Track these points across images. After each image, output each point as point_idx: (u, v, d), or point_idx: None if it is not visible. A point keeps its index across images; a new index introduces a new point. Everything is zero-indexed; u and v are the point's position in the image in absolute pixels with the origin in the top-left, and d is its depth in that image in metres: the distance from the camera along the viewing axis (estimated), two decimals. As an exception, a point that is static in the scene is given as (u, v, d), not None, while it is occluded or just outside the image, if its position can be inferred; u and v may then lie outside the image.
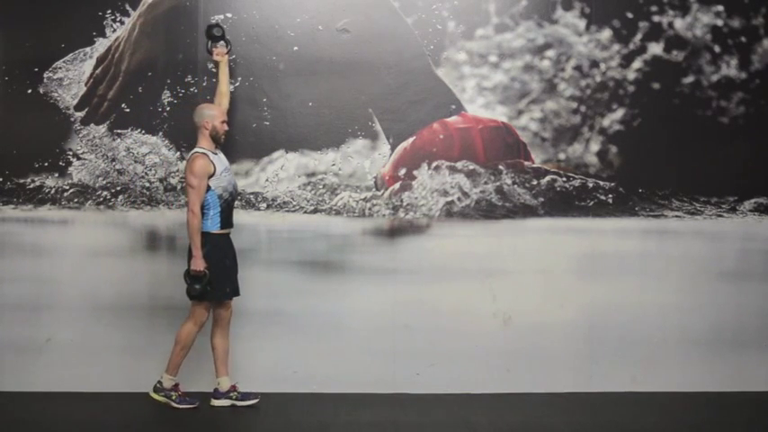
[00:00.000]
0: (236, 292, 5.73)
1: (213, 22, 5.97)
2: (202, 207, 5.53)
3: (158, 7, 6.14)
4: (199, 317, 5.63)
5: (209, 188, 5.54)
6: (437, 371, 6.08)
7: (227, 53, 5.90)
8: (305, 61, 6.14)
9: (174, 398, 5.66)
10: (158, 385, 5.68)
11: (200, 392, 5.79)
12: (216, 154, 5.64)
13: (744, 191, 6.27)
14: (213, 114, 5.64)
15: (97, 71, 6.16)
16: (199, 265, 5.49)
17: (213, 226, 5.59)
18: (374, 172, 6.18)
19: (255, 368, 6.05)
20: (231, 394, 5.75)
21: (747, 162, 6.26)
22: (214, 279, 5.53)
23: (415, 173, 6.14)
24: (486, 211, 6.18)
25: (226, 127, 5.68)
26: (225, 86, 5.86)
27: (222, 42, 5.90)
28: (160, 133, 6.15)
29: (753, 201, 6.27)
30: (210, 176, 5.54)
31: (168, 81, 6.14)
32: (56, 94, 6.15)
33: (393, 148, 6.16)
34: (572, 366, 6.16)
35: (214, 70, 5.95)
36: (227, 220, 5.65)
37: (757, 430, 5.50)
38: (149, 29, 6.14)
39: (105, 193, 6.16)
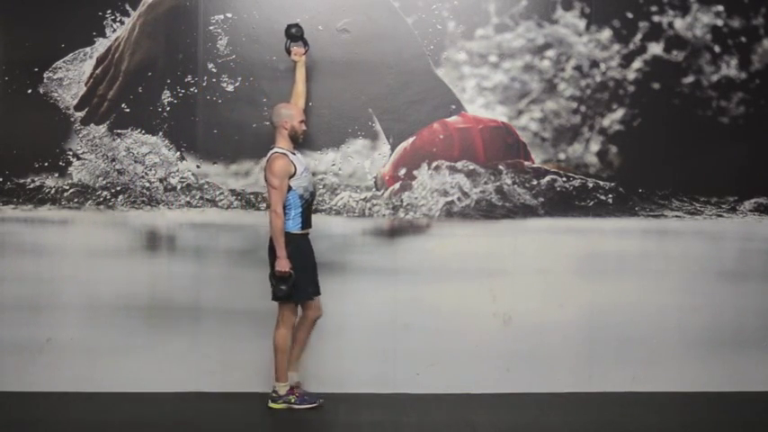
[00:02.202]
0: (317, 292, 5.72)
1: (292, 22, 5.95)
2: (283, 208, 5.53)
3: (158, 7, 6.14)
4: (288, 320, 5.63)
5: (289, 188, 5.54)
6: (437, 371, 6.08)
7: (304, 53, 5.90)
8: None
9: (293, 401, 5.66)
10: (274, 395, 5.67)
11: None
12: (294, 154, 5.65)
13: (744, 191, 6.27)
14: (292, 114, 5.65)
15: (97, 71, 6.16)
16: (284, 266, 5.49)
17: (294, 226, 5.59)
18: (374, 172, 6.18)
19: (256, 368, 6.05)
20: (289, 398, 5.72)
21: (747, 162, 6.26)
22: (298, 279, 5.52)
23: (415, 173, 6.14)
24: (486, 211, 6.18)
25: (304, 127, 5.71)
26: (302, 86, 5.87)
27: (300, 42, 5.91)
28: (160, 133, 6.15)
29: (753, 201, 6.27)
30: (291, 176, 5.55)
31: (168, 81, 6.14)
32: (56, 94, 6.15)
33: (393, 148, 6.16)
34: (572, 366, 6.17)
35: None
36: (307, 221, 5.65)
37: (757, 430, 5.51)
38: (149, 29, 6.14)
39: (105, 193, 6.16)
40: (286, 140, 5.65)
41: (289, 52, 5.93)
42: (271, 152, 5.62)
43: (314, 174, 6.14)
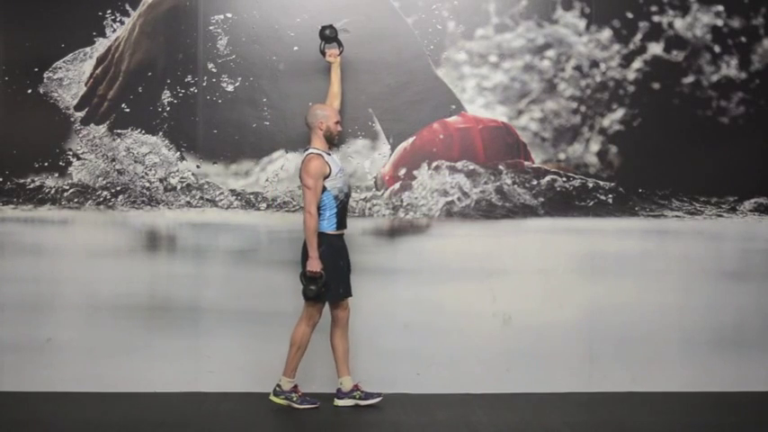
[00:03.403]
0: (348, 293, 5.73)
1: (327, 23, 5.95)
2: (318, 208, 5.53)
3: (158, 7, 6.14)
4: (311, 318, 5.63)
5: (324, 189, 5.55)
6: (437, 371, 6.08)
7: (339, 54, 5.91)
8: (305, 61, 6.14)
9: (294, 399, 5.66)
10: (278, 389, 5.67)
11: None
12: (329, 154, 5.66)
13: (744, 191, 6.27)
14: (327, 115, 5.66)
15: (97, 71, 6.16)
16: (315, 266, 5.49)
17: (329, 227, 5.60)
18: (374, 172, 6.18)
19: (256, 368, 6.05)
20: (354, 393, 5.75)
21: (747, 162, 6.26)
22: (329, 280, 5.53)
23: (415, 173, 6.14)
24: (486, 211, 6.18)
25: (339, 128, 5.72)
26: (337, 87, 5.88)
27: (334, 43, 5.91)
28: (160, 133, 6.15)
29: (753, 201, 6.27)
30: (326, 177, 5.56)
31: (168, 81, 6.14)
32: (56, 94, 6.15)
33: (393, 148, 6.16)
34: (572, 366, 6.17)
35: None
36: (342, 221, 5.66)
37: (757, 430, 5.50)
38: (149, 29, 6.14)
39: (105, 193, 6.16)
40: (321, 141, 5.66)
41: (323, 54, 5.94)
42: (306, 153, 5.64)
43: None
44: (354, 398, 5.74)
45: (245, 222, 6.13)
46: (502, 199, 6.18)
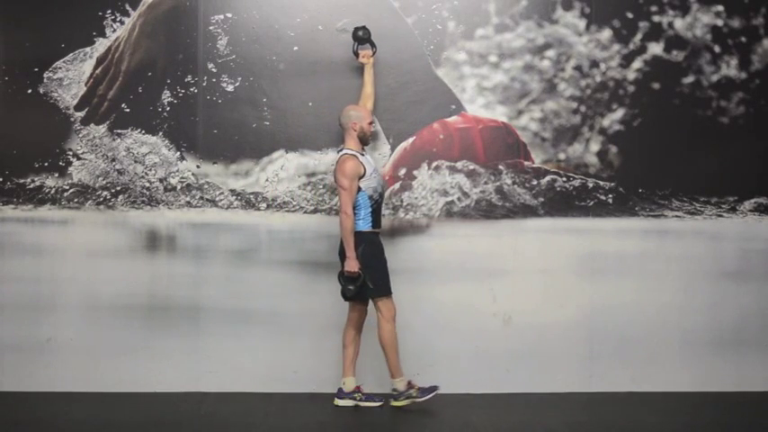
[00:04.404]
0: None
1: (359, 25, 5.96)
2: (354, 208, 5.56)
3: (158, 7, 6.14)
4: (387, 314, 5.65)
5: (359, 189, 5.58)
6: (437, 371, 6.08)
7: (372, 55, 5.92)
8: (305, 61, 6.14)
9: (414, 395, 5.67)
10: (395, 392, 5.69)
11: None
12: (363, 155, 5.68)
13: (744, 191, 6.27)
14: (361, 116, 5.69)
15: (97, 71, 6.16)
16: (353, 266, 5.52)
17: (365, 225, 5.64)
18: (374, 172, 6.18)
19: (256, 368, 6.06)
20: (355, 395, 5.75)
21: (747, 162, 6.26)
22: (376, 275, 5.57)
23: (415, 173, 6.14)
24: (486, 211, 6.18)
25: (373, 128, 5.76)
26: (370, 88, 5.91)
27: (367, 45, 5.92)
28: (160, 133, 6.15)
29: (753, 201, 6.27)
30: (361, 177, 5.58)
31: (168, 81, 6.14)
32: (56, 94, 6.15)
33: (393, 148, 6.16)
34: (572, 366, 6.17)
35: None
36: (377, 221, 5.69)
37: (757, 430, 5.50)
38: (149, 29, 6.14)
39: (105, 193, 6.16)
40: (355, 142, 5.68)
41: (357, 55, 5.95)
42: (340, 153, 5.67)
43: (314, 174, 6.15)
44: (355, 399, 5.74)
45: (245, 222, 6.13)
46: (502, 199, 6.18)
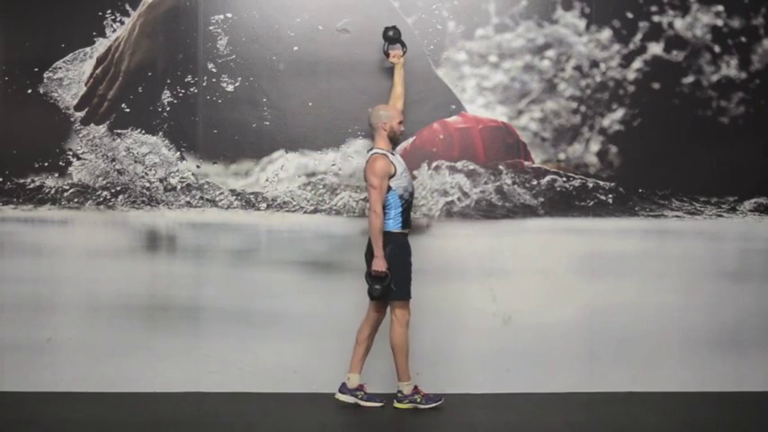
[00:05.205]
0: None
1: (389, 25, 5.96)
2: (384, 207, 5.56)
3: (158, 7, 6.14)
4: (402, 318, 5.64)
5: (389, 188, 5.58)
6: (437, 371, 6.08)
7: (403, 55, 5.92)
8: (305, 61, 6.14)
9: (419, 400, 5.67)
10: (399, 395, 5.70)
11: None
12: (393, 154, 5.68)
13: (744, 191, 6.27)
14: (391, 115, 5.69)
15: (97, 71, 6.16)
16: (381, 265, 5.51)
17: (395, 226, 5.62)
18: (374, 172, 6.17)
19: (255, 368, 6.06)
20: (357, 393, 5.74)
21: (747, 162, 6.26)
22: (399, 279, 5.55)
23: (415, 173, 6.14)
24: (486, 211, 6.18)
25: (403, 128, 5.75)
26: (400, 88, 5.90)
27: (398, 45, 5.92)
28: (160, 133, 6.15)
29: (753, 201, 6.27)
30: (391, 177, 5.58)
31: (168, 81, 6.14)
32: (56, 94, 6.15)
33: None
34: (572, 366, 6.16)
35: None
36: (407, 221, 5.69)
37: (757, 430, 5.50)
38: (149, 29, 6.14)
39: (105, 193, 6.16)
40: (385, 141, 5.68)
41: (387, 55, 5.95)
42: (370, 153, 5.67)
43: (314, 174, 6.15)
44: (356, 396, 5.74)
45: (245, 222, 6.13)
46: (502, 199, 6.18)
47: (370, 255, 5.62)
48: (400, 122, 5.73)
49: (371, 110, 5.77)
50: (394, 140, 5.73)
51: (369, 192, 5.60)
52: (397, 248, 5.62)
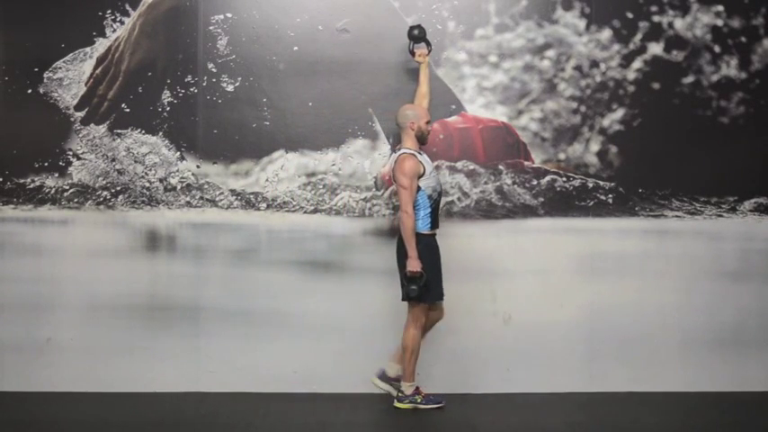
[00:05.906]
0: (443, 293, 5.72)
1: (414, 24, 5.95)
2: (413, 208, 5.54)
3: (158, 7, 6.14)
4: (418, 319, 5.62)
5: (419, 189, 5.56)
6: (437, 371, 6.08)
7: (428, 54, 5.91)
8: (305, 61, 6.14)
9: (419, 401, 5.67)
10: (401, 395, 5.68)
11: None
12: (421, 154, 5.66)
13: (744, 191, 6.27)
14: (418, 114, 5.66)
15: (97, 71, 6.16)
16: (415, 266, 5.48)
17: (424, 226, 5.60)
18: (374, 172, 6.18)
19: (256, 368, 6.05)
20: (394, 383, 5.72)
21: (747, 162, 6.26)
22: (429, 280, 5.52)
23: (415, 173, 6.13)
24: (486, 211, 6.18)
25: (430, 127, 5.72)
26: (426, 87, 5.87)
27: (423, 43, 5.91)
28: (160, 133, 6.15)
29: (753, 201, 6.27)
30: (420, 176, 5.56)
31: (168, 81, 6.14)
32: (56, 94, 6.16)
33: (393, 148, 6.16)
34: (572, 366, 6.16)
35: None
36: (435, 221, 5.66)
37: (757, 430, 5.50)
38: (149, 29, 6.14)
39: (105, 193, 6.16)
40: (413, 141, 5.65)
41: (412, 53, 5.93)
42: (398, 153, 5.64)
43: (314, 174, 6.15)
44: (394, 386, 5.71)
45: (245, 222, 6.13)
46: (502, 199, 6.18)
47: (402, 256, 5.57)
48: (428, 122, 5.69)
49: (398, 110, 5.74)
50: (422, 140, 5.68)
51: (399, 192, 5.55)
52: (426, 250, 5.56)
